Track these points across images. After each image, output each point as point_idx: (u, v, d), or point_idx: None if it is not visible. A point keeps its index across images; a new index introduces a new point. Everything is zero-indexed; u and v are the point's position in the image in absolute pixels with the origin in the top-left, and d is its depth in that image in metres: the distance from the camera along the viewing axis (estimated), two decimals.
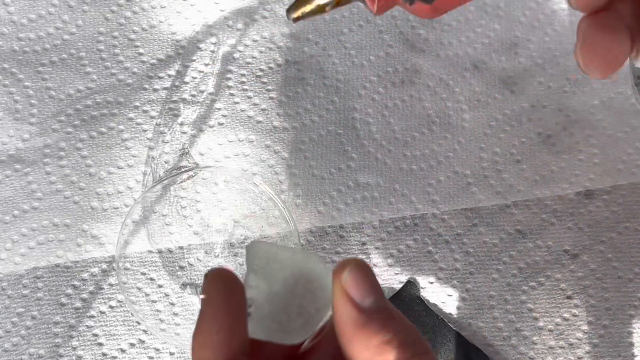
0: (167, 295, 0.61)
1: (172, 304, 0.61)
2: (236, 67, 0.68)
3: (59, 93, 0.67)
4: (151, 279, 0.61)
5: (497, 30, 0.70)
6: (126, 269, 0.61)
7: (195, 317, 0.60)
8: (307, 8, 0.38)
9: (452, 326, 0.60)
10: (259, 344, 0.39)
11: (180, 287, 0.61)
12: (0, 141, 0.65)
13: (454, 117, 0.67)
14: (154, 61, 0.68)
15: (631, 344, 0.60)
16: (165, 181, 0.62)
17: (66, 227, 0.63)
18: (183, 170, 0.61)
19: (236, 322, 0.37)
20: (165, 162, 0.63)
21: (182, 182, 0.63)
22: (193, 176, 0.62)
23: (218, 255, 0.62)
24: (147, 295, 0.61)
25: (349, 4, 0.37)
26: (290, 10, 0.39)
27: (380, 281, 0.62)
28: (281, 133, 0.66)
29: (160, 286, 0.61)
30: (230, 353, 0.36)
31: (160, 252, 0.62)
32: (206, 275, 0.38)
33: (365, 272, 0.38)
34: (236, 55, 0.68)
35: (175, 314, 0.60)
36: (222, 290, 0.37)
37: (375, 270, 0.62)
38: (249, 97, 0.67)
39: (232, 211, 0.63)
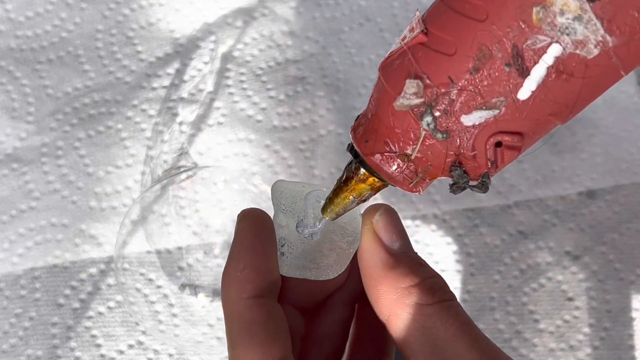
0: (166, 296, 0.60)
1: (171, 304, 0.60)
2: (235, 66, 0.68)
3: (56, 91, 0.67)
4: (150, 279, 0.61)
5: None
6: (125, 269, 0.61)
7: (194, 319, 0.60)
8: (336, 208, 0.39)
9: None
10: (289, 285, 0.40)
11: (179, 288, 0.61)
12: None
13: None
14: (153, 59, 0.68)
15: (632, 347, 0.59)
16: (164, 181, 0.61)
17: (64, 227, 0.62)
18: (182, 170, 0.61)
19: (262, 260, 0.37)
20: (164, 162, 0.63)
21: (180, 182, 0.62)
22: (192, 176, 0.62)
23: (217, 256, 0.62)
24: (145, 296, 0.60)
25: (382, 189, 0.39)
26: (324, 211, 0.40)
27: None
28: (281, 132, 0.66)
29: (159, 287, 0.61)
30: (255, 290, 0.36)
31: (159, 252, 0.62)
32: (238, 215, 0.38)
33: (395, 217, 0.39)
34: (235, 53, 0.68)
35: (174, 315, 0.60)
36: (248, 230, 0.37)
37: None
38: (249, 96, 0.67)
39: (231, 211, 0.62)
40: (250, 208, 0.39)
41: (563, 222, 0.63)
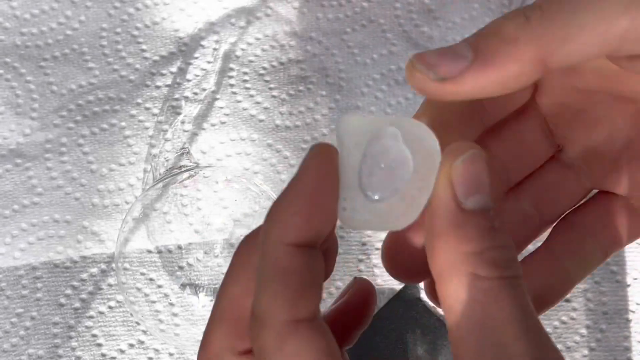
0: (166, 295, 0.61)
1: (172, 304, 0.61)
2: (238, 65, 0.68)
3: (60, 88, 0.67)
4: (150, 279, 0.61)
5: None
6: (125, 269, 0.61)
7: (195, 318, 0.60)
8: None
9: None
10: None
11: (179, 288, 0.61)
12: (1, 135, 0.65)
13: None
14: (157, 58, 0.68)
15: (627, 349, 0.60)
16: (166, 179, 0.62)
17: (66, 223, 0.63)
18: (183, 169, 0.61)
19: (319, 213, 0.32)
20: (166, 160, 0.63)
21: (182, 180, 0.63)
22: (194, 175, 0.62)
23: (218, 255, 0.62)
24: (146, 295, 0.61)
25: None
26: None
27: (380, 282, 0.62)
28: (283, 132, 0.66)
29: (159, 286, 0.61)
30: (299, 239, 0.32)
31: (159, 252, 0.62)
32: (311, 148, 0.33)
33: (479, 167, 0.32)
34: (238, 53, 0.68)
35: (175, 315, 0.60)
36: (315, 172, 0.32)
37: (376, 270, 0.62)
38: (252, 96, 0.67)
39: (232, 210, 0.63)
40: (325, 144, 0.32)
41: None
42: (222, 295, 0.34)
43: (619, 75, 0.37)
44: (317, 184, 0.32)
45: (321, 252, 0.33)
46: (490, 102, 0.38)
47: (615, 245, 0.40)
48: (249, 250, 0.34)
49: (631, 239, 0.40)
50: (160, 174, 0.62)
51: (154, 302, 0.61)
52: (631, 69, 0.35)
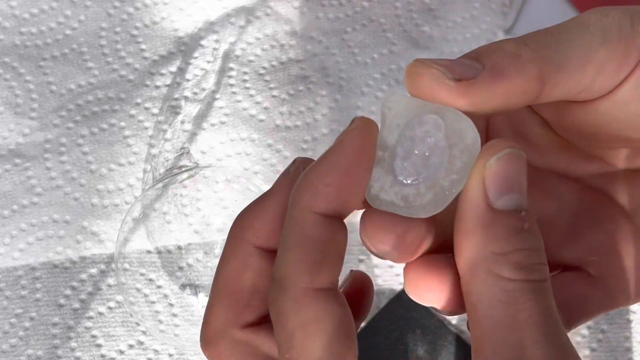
0: (166, 296, 0.61)
1: (172, 304, 0.61)
2: (238, 65, 0.68)
3: (60, 88, 0.67)
4: (150, 279, 0.61)
5: (503, 26, 0.70)
6: (125, 269, 0.61)
7: (194, 319, 0.60)
8: None
9: (452, 328, 0.60)
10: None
11: (179, 288, 0.61)
12: (0, 135, 0.65)
13: None
14: (156, 58, 0.68)
15: (628, 349, 0.60)
16: (166, 180, 0.62)
17: (66, 224, 0.63)
18: (183, 169, 0.61)
19: (351, 187, 0.32)
20: (166, 160, 0.63)
21: (182, 180, 0.63)
22: (193, 175, 0.62)
23: (217, 255, 0.62)
24: (146, 296, 0.61)
25: None
26: None
27: (380, 282, 0.62)
28: (283, 132, 0.66)
29: (159, 287, 0.61)
30: (328, 210, 0.32)
31: (159, 252, 0.62)
32: (353, 120, 0.33)
33: (515, 167, 0.32)
34: (238, 53, 0.68)
35: (175, 315, 0.60)
36: (352, 145, 0.32)
37: (376, 270, 0.62)
38: (251, 95, 0.67)
39: (232, 210, 0.63)
40: (367, 118, 0.32)
41: None
42: (220, 272, 0.35)
43: (561, 153, 0.40)
44: (354, 158, 0.32)
45: (345, 227, 0.33)
46: None
47: (582, 318, 0.40)
48: (244, 225, 0.35)
49: (595, 311, 0.40)
50: (160, 174, 0.62)
51: (153, 302, 0.61)
52: (578, 142, 0.37)
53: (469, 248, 0.32)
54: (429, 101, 0.33)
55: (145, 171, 0.64)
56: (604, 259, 0.40)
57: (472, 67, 0.32)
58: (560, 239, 0.40)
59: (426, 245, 0.34)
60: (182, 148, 0.62)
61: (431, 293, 0.35)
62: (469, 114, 0.32)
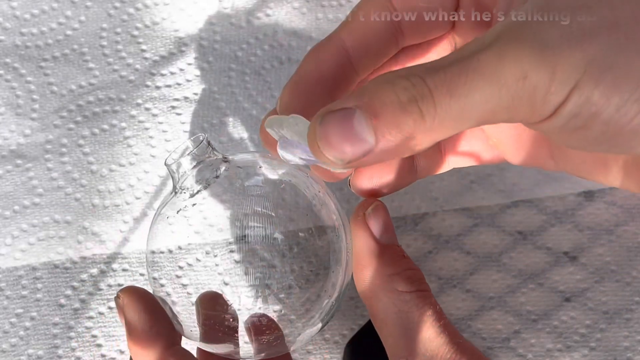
0: (168, 294, 0.61)
1: (174, 302, 0.61)
2: (238, 65, 0.68)
3: (61, 88, 0.67)
4: (152, 278, 0.61)
5: None
6: (124, 269, 0.61)
7: (195, 318, 0.60)
8: None
9: None
10: None
11: (180, 288, 0.61)
12: (1, 136, 0.65)
13: None
14: (157, 58, 0.68)
15: (627, 348, 0.60)
16: (167, 180, 0.62)
17: (67, 224, 0.63)
18: (184, 169, 0.60)
19: None
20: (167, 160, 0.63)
21: (183, 180, 0.62)
22: (227, 170, 0.61)
23: (217, 255, 0.62)
24: None
25: None
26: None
27: None
28: None
29: (162, 285, 0.61)
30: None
31: (160, 252, 0.62)
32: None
33: (385, 212, 0.43)
34: (239, 53, 0.68)
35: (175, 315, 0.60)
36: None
37: None
38: (252, 96, 0.67)
39: (233, 211, 0.62)
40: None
41: (561, 223, 0.63)
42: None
43: None
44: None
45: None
46: (408, 29, 0.44)
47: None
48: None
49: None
50: (160, 175, 0.62)
51: None
52: None
53: (368, 277, 0.42)
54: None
55: (146, 172, 0.64)
56: None
57: (364, 142, 0.35)
58: None
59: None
60: (201, 141, 0.59)
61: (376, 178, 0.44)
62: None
